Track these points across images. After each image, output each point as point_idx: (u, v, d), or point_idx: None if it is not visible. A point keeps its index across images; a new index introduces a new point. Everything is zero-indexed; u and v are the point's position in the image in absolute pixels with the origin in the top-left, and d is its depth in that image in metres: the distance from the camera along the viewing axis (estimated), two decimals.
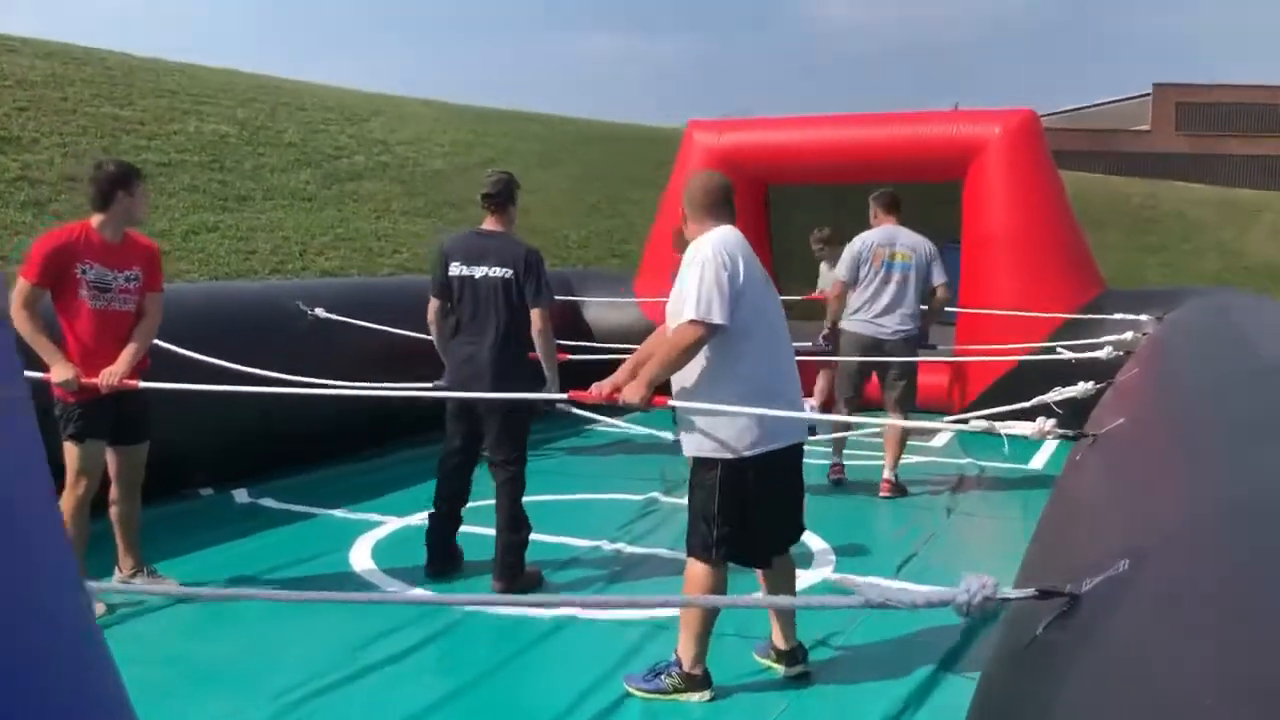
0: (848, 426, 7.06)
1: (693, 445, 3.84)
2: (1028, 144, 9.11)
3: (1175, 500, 1.79)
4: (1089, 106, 51.59)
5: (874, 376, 7.24)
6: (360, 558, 5.47)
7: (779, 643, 4.09)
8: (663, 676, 3.82)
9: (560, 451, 8.41)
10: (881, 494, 6.95)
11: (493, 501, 5.10)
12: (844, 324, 7.08)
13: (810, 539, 5.96)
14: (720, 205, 3.92)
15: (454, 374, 5.07)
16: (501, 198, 5.04)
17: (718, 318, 3.58)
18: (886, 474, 7.00)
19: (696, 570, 3.84)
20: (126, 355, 4.55)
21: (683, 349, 3.65)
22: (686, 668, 3.82)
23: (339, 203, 17.90)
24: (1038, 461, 8.26)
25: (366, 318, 7.46)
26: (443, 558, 5.18)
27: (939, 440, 8.98)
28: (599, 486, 7.10)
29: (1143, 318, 7.82)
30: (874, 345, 6.96)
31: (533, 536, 5.07)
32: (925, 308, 7.14)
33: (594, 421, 8.58)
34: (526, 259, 4.95)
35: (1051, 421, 3.03)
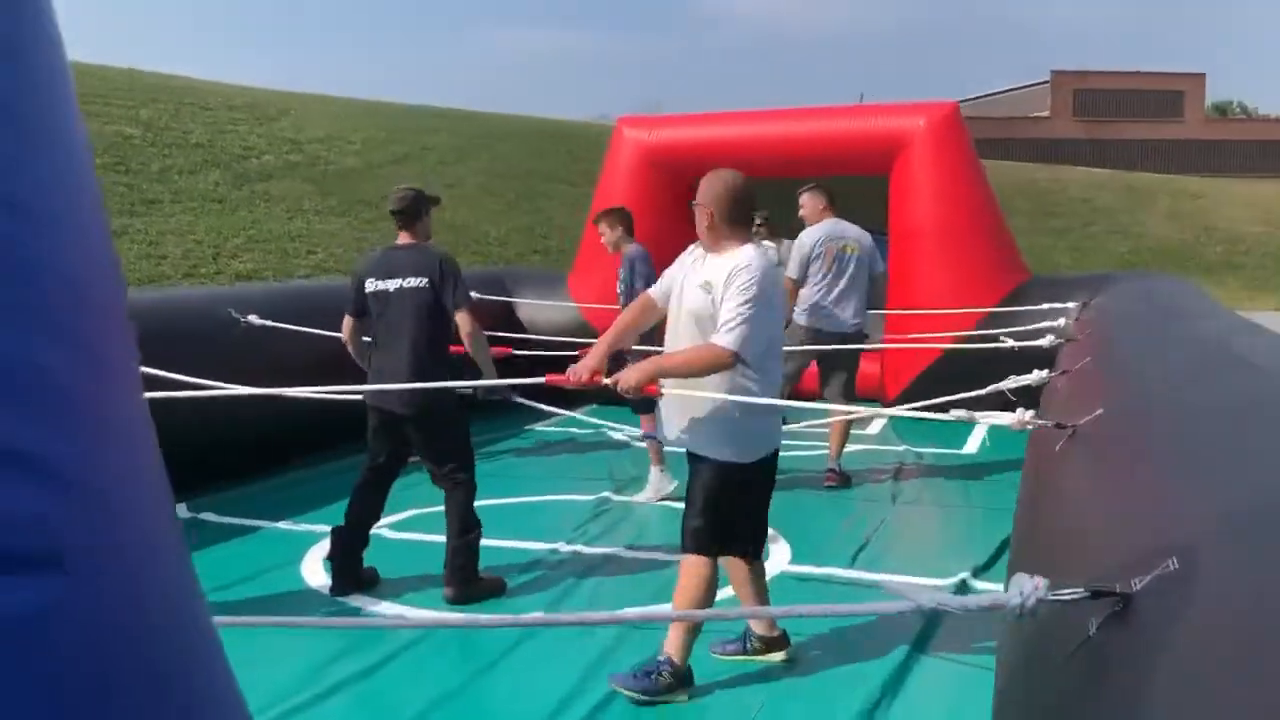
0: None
1: (694, 442, 3.90)
2: (951, 136, 9.29)
3: (1202, 494, 1.83)
4: (989, 95, 52.89)
5: (812, 367, 7.34)
6: (314, 571, 5.35)
7: (761, 629, 4.17)
8: (654, 675, 3.81)
9: (504, 454, 8.34)
10: (826, 484, 7.03)
11: (441, 508, 5.05)
12: (798, 318, 7.15)
13: None
14: (746, 218, 3.96)
15: (378, 394, 4.99)
16: (409, 214, 5.05)
17: (748, 351, 3.67)
18: (831, 464, 7.09)
19: (693, 562, 3.88)
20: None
21: (708, 368, 3.70)
22: (678, 664, 3.84)
23: (250, 204, 17.52)
24: (971, 446, 8.44)
25: (300, 323, 7.29)
26: (348, 575, 5.04)
27: (874, 428, 9.13)
28: (548, 488, 7.06)
29: (1070, 305, 8.03)
30: (837, 339, 7.04)
31: (487, 542, 5.01)
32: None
33: (537, 420, 8.53)
34: (441, 266, 4.95)
35: (1031, 412, 3.09)
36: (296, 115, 21.83)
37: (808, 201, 7.38)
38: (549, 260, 18.93)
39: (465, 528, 4.96)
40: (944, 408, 3.65)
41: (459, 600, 4.85)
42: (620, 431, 7.59)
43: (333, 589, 5.01)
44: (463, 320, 4.95)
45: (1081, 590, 1.62)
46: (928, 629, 4.42)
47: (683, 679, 3.86)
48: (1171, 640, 1.45)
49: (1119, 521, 2.01)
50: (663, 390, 3.91)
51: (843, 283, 7.08)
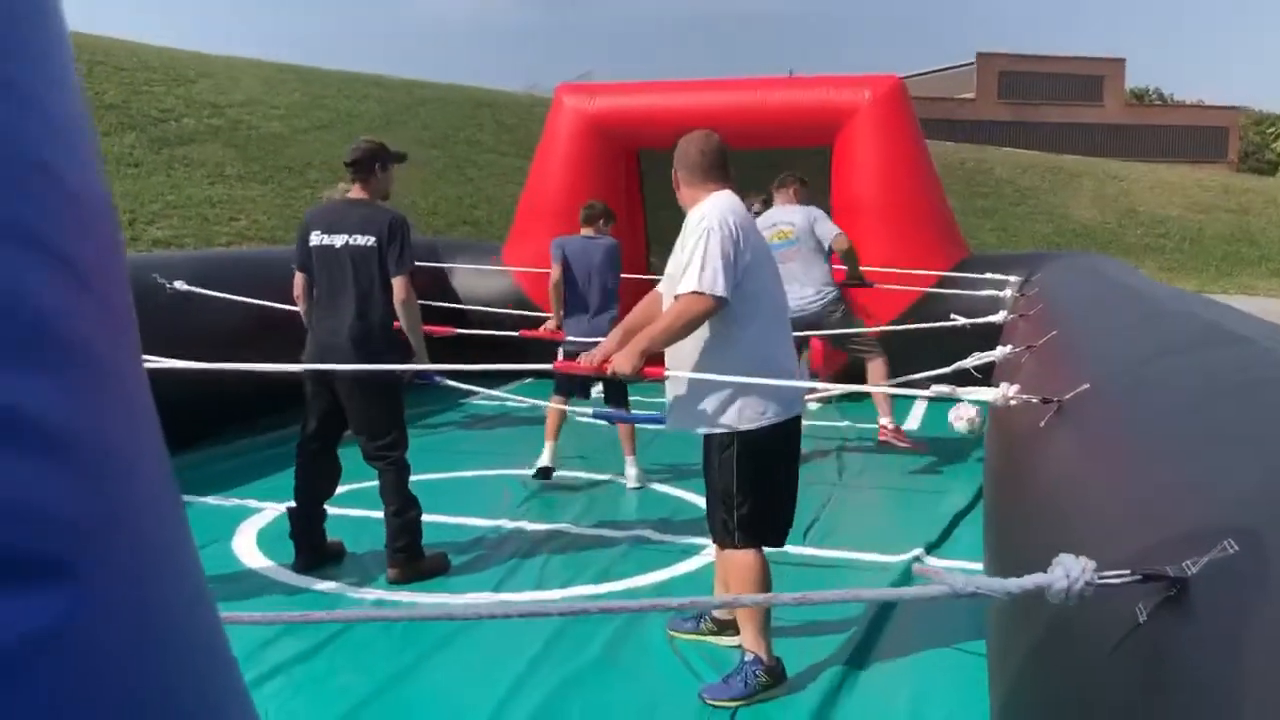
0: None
1: (700, 420, 3.63)
2: (896, 110, 9.22)
3: (1233, 470, 1.72)
4: (915, 75, 53.32)
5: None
6: (245, 548, 5.10)
7: (719, 613, 4.06)
8: (747, 679, 3.58)
9: (443, 427, 8.11)
10: (884, 439, 7.14)
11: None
12: None
13: None
14: (718, 167, 3.75)
15: (313, 348, 4.75)
16: (363, 165, 4.75)
17: (722, 290, 3.43)
18: (885, 421, 7.16)
19: (740, 560, 3.66)
20: None
21: (686, 320, 3.47)
22: (767, 661, 3.64)
23: (168, 168, 16.88)
24: (912, 423, 8.42)
25: (229, 290, 6.98)
26: (311, 551, 4.84)
27: (814, 404, 9.05)
28: (486, 463, 6.86)
29: (1011, 278, 8.05)
30: (808, 324, 6.92)
31: (427, 518, 4.81)
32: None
33: (471, 394, 8.30)
34: (390, 225, 4.66)
35: (1015, 387, 2.99)
36: (217, 78, 21.10)
37: (776, 196, 7.34)
38: (479, 231, 18.60)
39: (403, 506, 4.74)
40: (924, 384, 3.53)
41: (403, 580, 4.65)
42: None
43: (296, 565, 4.79)
44: (398, 286, 4.66)
45: (1131, 574, 1.49)
46: (882, 611, 4.33)
47: (776, 674, 3.65)
48: (1236, 629, 1.33)
49: (1143, 500, 1.90)
50: (667, 373, 3.65)
51: (790, 267, 6.94)
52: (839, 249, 7.18)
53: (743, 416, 3.55)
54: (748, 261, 3.53)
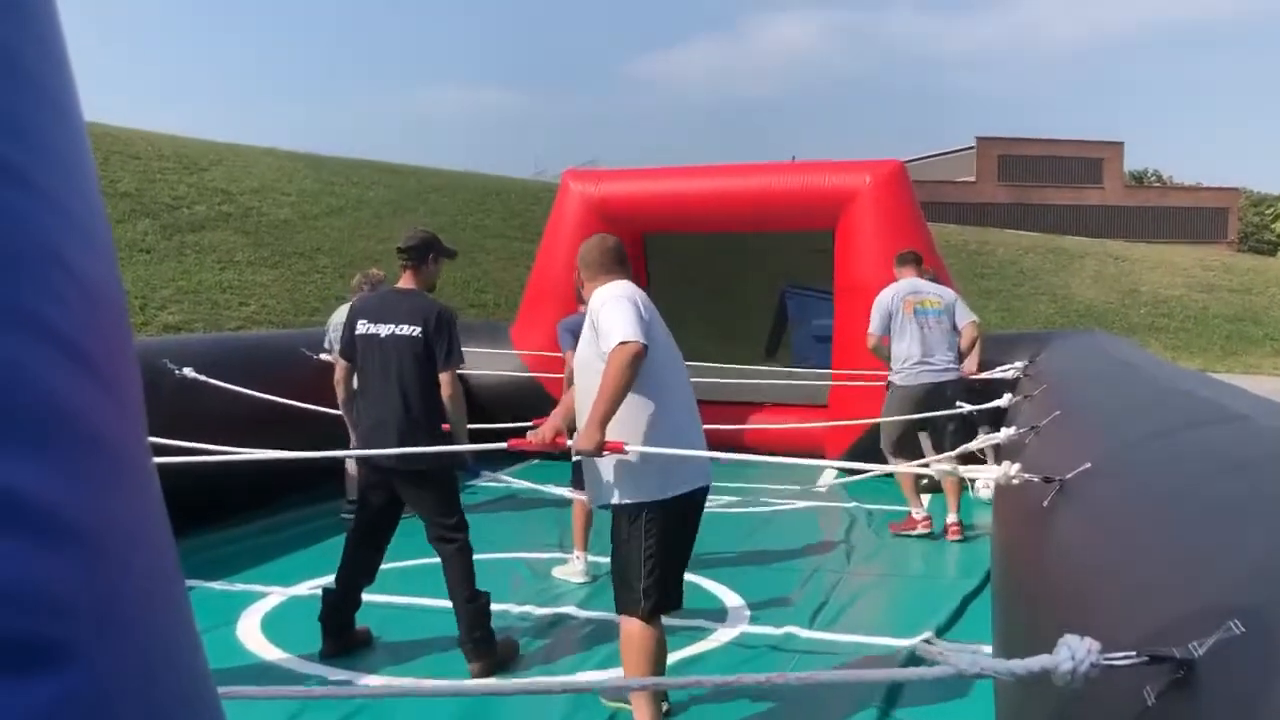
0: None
1: (612, 494, 3.75)
2: (897, 193, 9.34)
3: (1233, 549, 1.73)
4: (916, 159, 54.08)
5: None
6: (249, 633, 5.06)
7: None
8: None
9: None
10: (951, 538, 7.05)
11: (392, 565, 4.81)
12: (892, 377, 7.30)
13: (719, 590, 5.85)
14: (616, 264, 3.99)
15: (363, 439, 4.75)
16: (416, 254, 4.77)
17: (644, 339, 3.60)
18: (952, 518, 7.14)
19: (633, 629, 3.72)
20: None
21: (622, 375, 3.57)
22: None
23: (180, 254, 17.09)
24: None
25: (236, 375, 7.02)
26: (339, 637, 4.80)
27: (823, 485, 9.03)
28: (492, 545, 6.80)
29: (1017, 363, 8.07)
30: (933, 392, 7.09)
31: (431, 602, 4.77)
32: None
33: (475, 477, 8.29)
34: (438, 317, 4.67)
35: (1016, 466, 3.00)
36: (229, 165, 21.46)
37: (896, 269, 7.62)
38: (485, 313, 18.72)
39: (474, 593, 4.65)
40: (927, 464, 3.55)
41: (486, 673, 4.52)
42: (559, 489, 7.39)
43: (323, 651, 4.74)
44: (446, 381, 4.66)
45: (1137, 655, 1.49)
46: (891, 694, 4.28)
47: None
48: (1245, 712, 1.33)
49: (1147, 579, 1.90)
50: (627, 449, 3.69)
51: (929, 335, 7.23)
52: (968, 335, 7.49)
53: (655, 487, 3.67)
54: (652, 331, 3.71)
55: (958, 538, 7.02)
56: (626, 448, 3.65)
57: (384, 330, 4.65)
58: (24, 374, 0.51)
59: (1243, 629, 1.43)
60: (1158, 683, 1.48)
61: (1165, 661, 1.47)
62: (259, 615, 5.32)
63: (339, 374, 5.00)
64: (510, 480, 7.82)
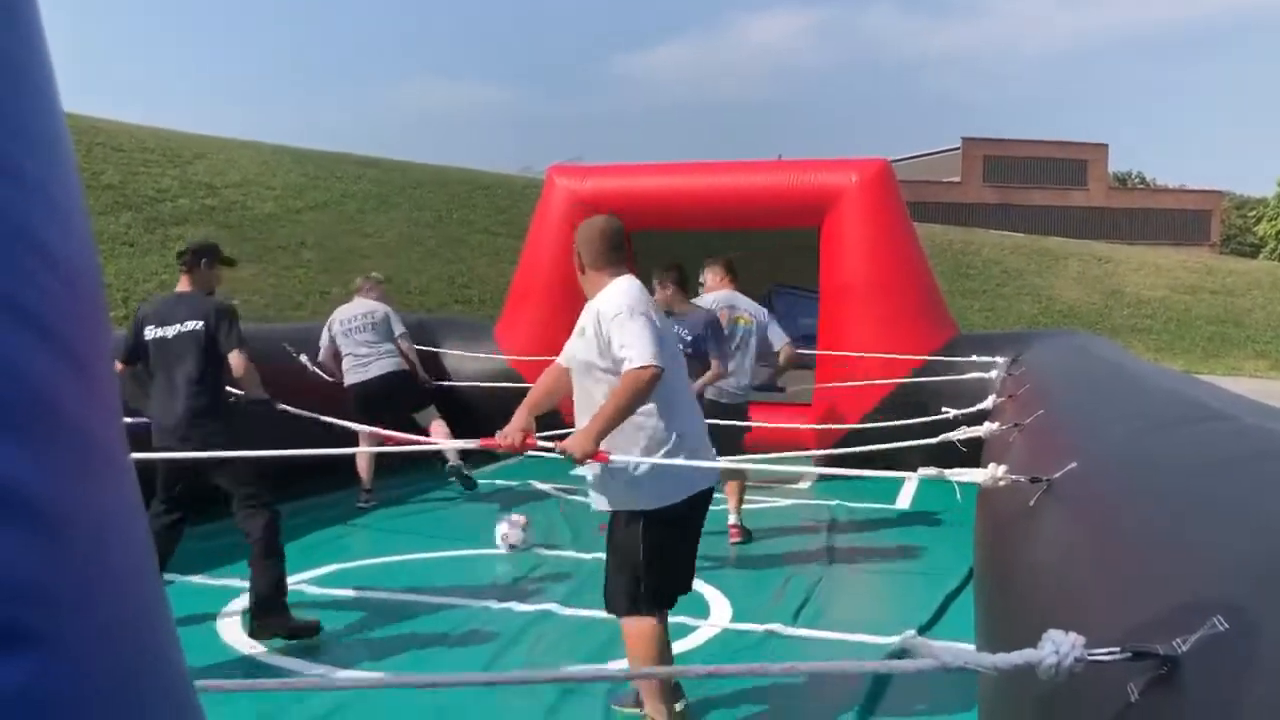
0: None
1: (614, 500, 3.74)
2: (882, 192, 9.34)
3: (1217, 547, 1.73)
4: (902, 159, 54.20)
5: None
6: (229, 628, 5.03)
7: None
8: None
9: (431, 503, 8.06)
10: (732, 540, 6.89)
11: (375, 561, 4.80)
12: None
13: (703, 588, 5.84)
14: (619, 249, 3.89)
15: (158, 435, 5.00)
16: (190, 259, 5.18)
17: (661, 362, 3.54)
18: (733, 520, 6.98)
19: (636, 628, 3.74)
20: None
21: (637, 393, 3.53)
22: None
23: (163, 247, 16.98)
24: (903, 501, 8.40)
25: None
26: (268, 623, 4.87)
27: (804, 482, 9.04)
28: (476, 541, 6.79)
29: (999, 359, 8.10)
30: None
31: (419, 598, 4.76)
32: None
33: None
34: (217, 311, 5.06)
35: (1004, 468, 3.00)
36: (213, 159, 21.35)
37: (708, 274, 7.26)
38: (470, 309, 18.68)
39: (269, 551, 4.91)
40: (912, 465, 3.54)
41: (263, 635, 4.79)
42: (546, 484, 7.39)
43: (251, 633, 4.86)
44: (235, 361, 5.03)
45: (1121, 650, 1.49)
46: (874, 689, 4.28)
47: None
48: (1227, 709, 1.33)
49: (1132, 577, 1.90)
50: (613, 458, 3.67)
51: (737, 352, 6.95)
52: (785, 354, 7.21)
53: (652, 496, 3.68)
54: (663, 342, 3.65)
55: (737, 540, 6.90)
56: (612, 458, 3.64)
57: (170, 331, 5.01)
58: (3, 361, 0.51)
59: (1226, 626, 1.43)
60: (1141, 678, 1.48)
61: (1149, 657, 1.47)
62: (239, 610, 5.28)
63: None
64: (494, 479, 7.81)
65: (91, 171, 18.16)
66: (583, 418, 3.74)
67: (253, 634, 4.80)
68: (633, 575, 3.72)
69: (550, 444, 3.85)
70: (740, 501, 7.02)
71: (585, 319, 3.76)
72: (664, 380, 3.60)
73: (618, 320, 3.59)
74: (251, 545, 4.90)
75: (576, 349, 3.81)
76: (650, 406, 3.65)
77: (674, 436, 3.70)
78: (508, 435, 3.81)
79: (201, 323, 4.99)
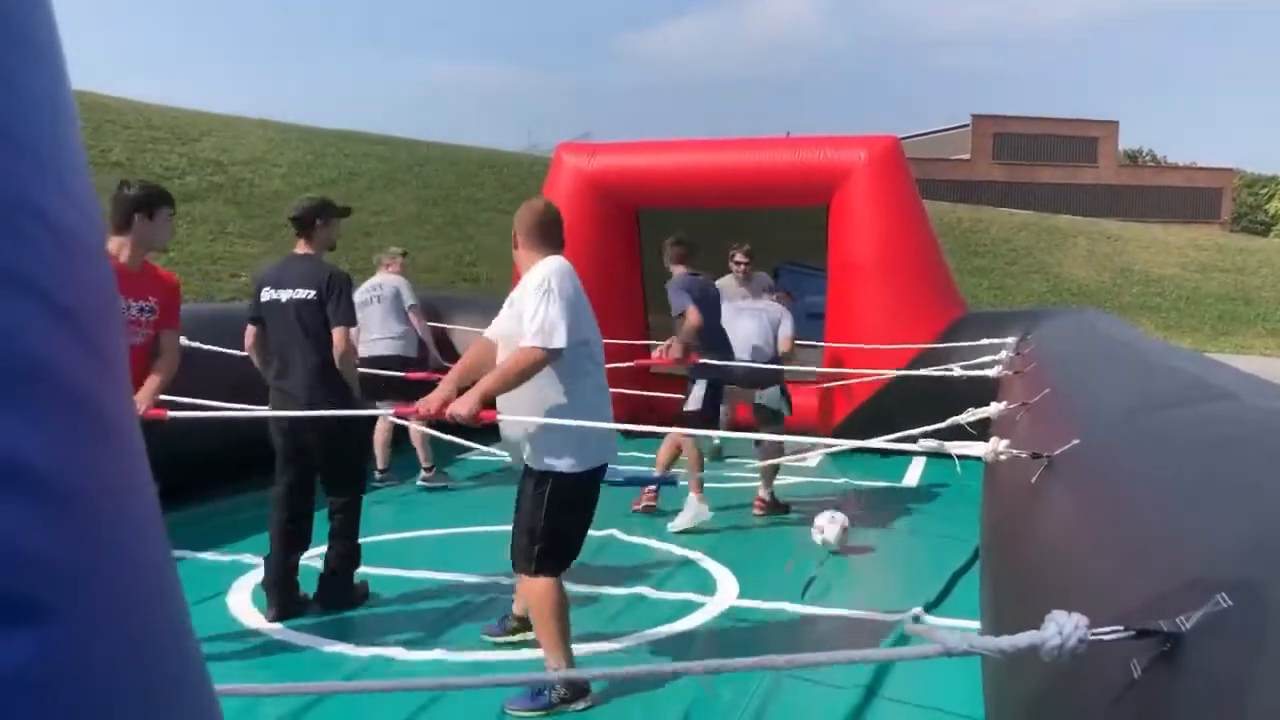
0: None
1: (528, 455, 3.94)
2: (892, 169, 9.30)
3: (1220, 525, 1.73)
4: (912, 136, 53.91)
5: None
6: (240, 604, 5.07)
7: (519, 609, 4.51)
8: (545, 693, 3.91)
9: (455, 482, 8.09)
10: (755, 512, 7.08)
11: (392, 536, 4.85)
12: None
13: (711, 565, 5.88)
14: (553, 233, 4.10)
15: (274, 404, 4.96)
16: (303, 221, 5.02)
17: (558, 343, 3.75)
18: (763, 494, 7.17)
19: (535, 586, 3.95)
20: (148, 387, 4.22)
21: (521, 371, 3.78)
22: (568, 677, 3.94)
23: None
24: (910, 479, 8.41)
25: (228, 345, 6.98)
26: (284, 603, 4.90)
27: (813, 460, 9.04)
28: (484, 518, 6.81)
29: (1009, 339, 8.07)
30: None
31: (426, 574, 4.81)
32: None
33: (468, 450, 8.29)
34: (330, 279, 4.91)
35: (1005, 442, 3.00)
36: (220, 136, 21.34)
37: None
38: (478, 287, 18.69)
39: (350, 544, 5.02)
40: (913, 439, 3.53)
41: (328, 606, 4.94)
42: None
43: (271, 615, 4.84)
44: (338, 337, 4.91)
45: (1124, 629, 1.49)
46: (880, 670, 4.30)
47: (577, 689, 3.96)
48: (1230, 685, 1.34)
49: (1134, 554, 1.90)
50: (499, 417, 3.93)
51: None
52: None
53: (562, 461, 3.87)
54: (578, 319, 3.85)
55: (760, 513, 7.17)
56: (499, 417, 3.89)
57: (284, 296, 4.91)
58: (3, 329, 0.50)
59: (1230, 603, 1.43)
60: (1144, 656, 1.49)
61: (1152, 635, 1.48)
62: (250, 586, 5.32)
63: (247, 340, 5.14)
64: (501, 454, 7.82)
65: (99, 149, 18.17)
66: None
67: (324, 605, 4.94)
68: (533, 537, 3.90)
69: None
70: (773, 476, 7.20)
71: (516, 292, 4.01)
72: (590, 356, 3.91)
73: (536, 293, 3.79)
74: (331, 520, 5.02)
75: (503, 321, 4.05)
76: (573, 376, 3.87)
77: (591, 407, 3.91)
78: (428, 403, 4.01)
79: (314, 291, 4.87)
